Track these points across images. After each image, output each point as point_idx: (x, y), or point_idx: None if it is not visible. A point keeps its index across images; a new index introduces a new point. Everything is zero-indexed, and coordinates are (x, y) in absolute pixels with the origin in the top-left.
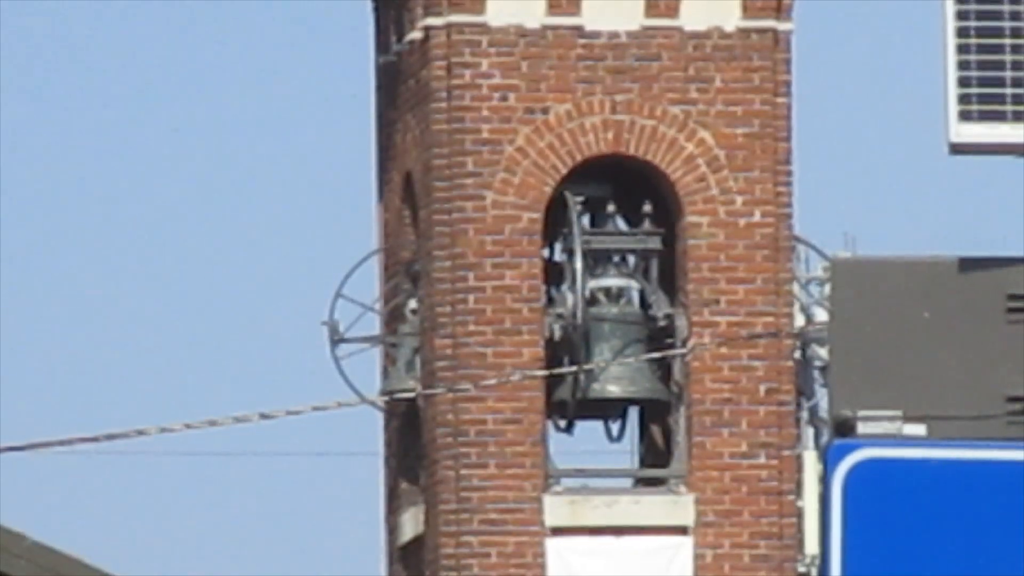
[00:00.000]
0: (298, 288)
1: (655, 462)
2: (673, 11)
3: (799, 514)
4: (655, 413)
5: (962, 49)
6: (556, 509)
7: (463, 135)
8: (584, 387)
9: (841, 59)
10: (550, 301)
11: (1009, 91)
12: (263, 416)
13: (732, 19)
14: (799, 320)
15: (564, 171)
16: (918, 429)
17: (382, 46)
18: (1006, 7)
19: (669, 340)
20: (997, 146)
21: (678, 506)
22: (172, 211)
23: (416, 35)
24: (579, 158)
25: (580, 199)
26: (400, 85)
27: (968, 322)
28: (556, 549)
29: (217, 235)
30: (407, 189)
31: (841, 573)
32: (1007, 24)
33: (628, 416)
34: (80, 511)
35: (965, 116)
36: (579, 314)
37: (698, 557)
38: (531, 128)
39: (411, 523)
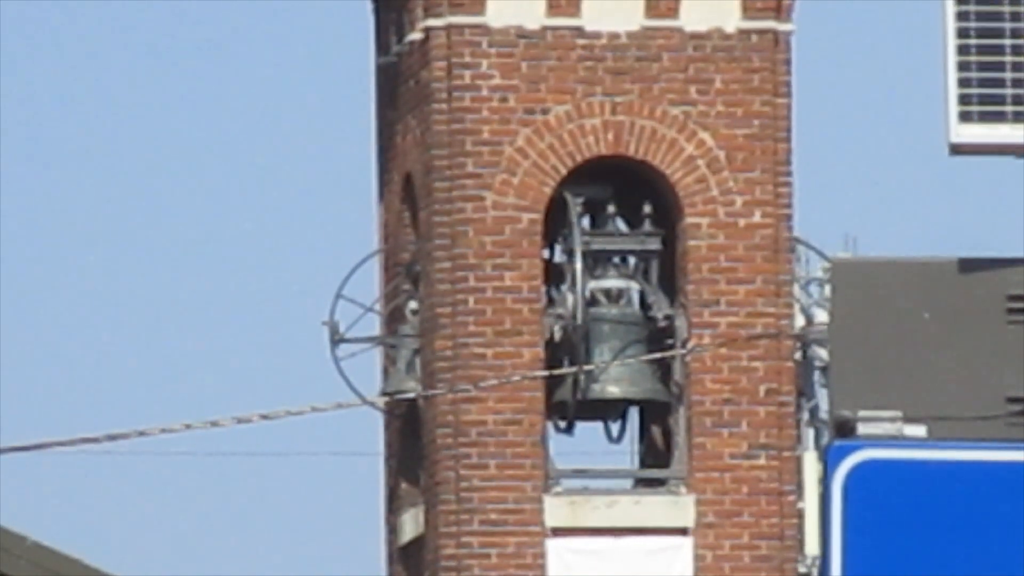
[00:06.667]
0: (298, 288)
1: (655, 463)
2: (673, 12)
3: (799, 515)
4: (655, 414)
5: (962, 49)
6: (556, 510)
7: (463, 136)
8: (584, 388)
9: (841, 59)
10: (550, 302)
11: (1009, 91)
12: (263, 416)
13: (732, 20)
14: (799, 321)
15: (564, 172)
16: (918, 430)
17: (382, 47)
18: (1006, 7)
19: (669, 341)
20: (997, 147)
21: (678, 507)
22: (173, 211)
23: (416, 36)
24: (579, 159)
25: (580, 200)
26: (400, 86)
27: (968, 323)
28: (556, 550)
29: (218, 235)
30: (407, 190)
31: (841, 574)
32: (1007, 24)
33: (628, 417)
34: (81, 511)
35: (965, 117)
36: (579, 315)
37: (698, 558)
38: (531, 129)
39: (411, 523)
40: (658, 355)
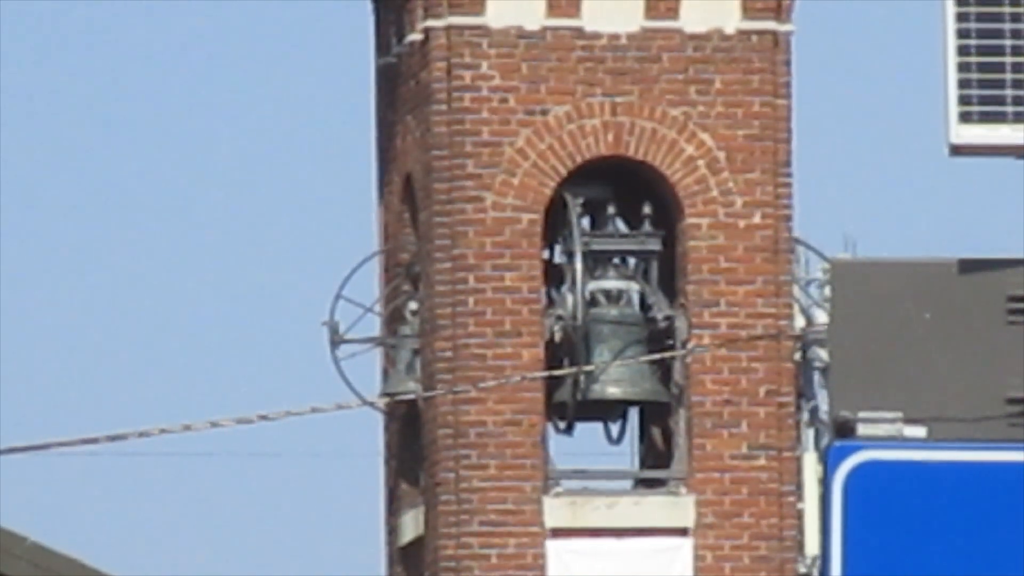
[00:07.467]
0: (298, 289)
1: (655, 463)
2: (673, 13)
3: (799, 516)
4: (655, 414)
5: (962, 50)
6: (556, 510)
7: (463, 137)
8: (584, 389)
9: (841, 60)
10: (550, 303)
11: (1009, 92)
12: (263, 417)
13: (732, 21)
14: (799, 322)
15: (564, 173)
16: (918, 431)
17: (382, 47)
18: (1006, 7)
19: (669, 342)
20: (997, 147)
21: (678, 507)
22: (173, 212)
23: (416, 36)
24: (579, 160)
25: (580, 201)
26: (400, 87)
27: (968, 324)
28: (556, 550)
29: (218, 236)
30: (407, 191)
31: (841, 574)
32: (1007, 24)
33: (628, 417)
34: (81, 512)
35: (965, 117)
36: (579, 316)
37: (698, 558)
38: (531, 130)
39: (411, 524)
40: (658, 356)
